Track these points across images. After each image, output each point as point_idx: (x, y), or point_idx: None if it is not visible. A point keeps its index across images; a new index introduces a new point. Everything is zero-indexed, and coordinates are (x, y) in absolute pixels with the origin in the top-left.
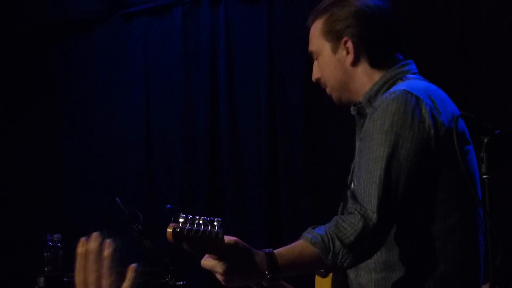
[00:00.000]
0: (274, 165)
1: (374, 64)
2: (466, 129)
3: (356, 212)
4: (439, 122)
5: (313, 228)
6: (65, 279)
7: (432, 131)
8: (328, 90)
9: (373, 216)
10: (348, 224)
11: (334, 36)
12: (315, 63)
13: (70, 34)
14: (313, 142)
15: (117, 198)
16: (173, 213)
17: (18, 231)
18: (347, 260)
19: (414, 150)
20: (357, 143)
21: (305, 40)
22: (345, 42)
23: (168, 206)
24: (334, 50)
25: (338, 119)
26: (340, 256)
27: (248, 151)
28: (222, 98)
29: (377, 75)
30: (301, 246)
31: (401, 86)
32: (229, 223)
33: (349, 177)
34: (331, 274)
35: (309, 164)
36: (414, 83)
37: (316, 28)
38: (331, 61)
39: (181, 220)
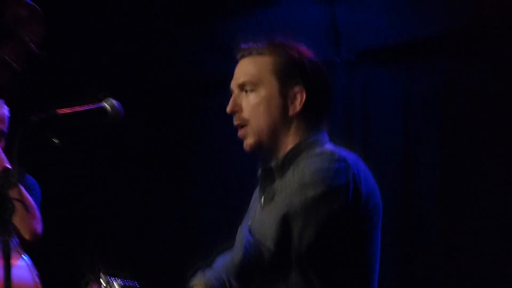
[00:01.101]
0: (409, 235)
1: (311, 123)
2: (381, 203)
3: (247, 246)
4: (360, 192)
5: (203, 273)
6: None
7: (350, 198)
8: (246, 130)
9: (265, 255)
10: (237, 260)
11: (287, 79)
12: (241, 94)
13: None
14: (449, 208)
15: None
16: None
17: None
18: None
19: (327, 209)
20: (258, 204)
21: (443, 105)
22: (298, 91)
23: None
24: (283, 94)
25: (474, 187)
26: None
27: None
28: None
29: (304, 135)
30: None
31: (327, 147)
32: None
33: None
34: None
35: (444, 229)
36: (339, 148)
37: (263, 63)
38: (273, 102)
39: (103, 283)
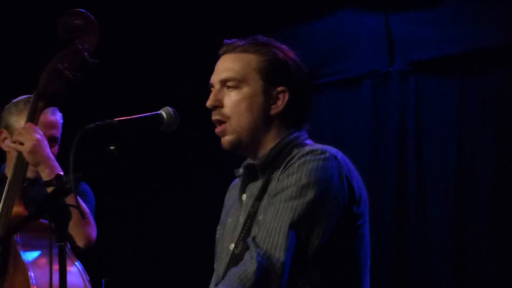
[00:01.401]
0: (461, 246)
1: (292, 123)
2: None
3: (259, 259)
4: (353, 188)
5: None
6: None
7: (346, 196)
8: (226, 127)
9: (277, 266)
10: (251, 273)
11: (271, 79)
12: (222, 90)
13: None
14: (503, 222)
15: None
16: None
17: None
18: None
19: (328, 209)
20: (239, 202)
21: (497, 116)
22: (281, 91)
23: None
24: (266, 93)
25: None
26: None
27: (435, 229)
28: (410, 171)
29: (284, 134)
30: None
31: (315, 145)
32: None
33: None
34: None
35: (498, 245)
36: (325, 146)
37: (247, 60)
38: (255, 101)
39: None
